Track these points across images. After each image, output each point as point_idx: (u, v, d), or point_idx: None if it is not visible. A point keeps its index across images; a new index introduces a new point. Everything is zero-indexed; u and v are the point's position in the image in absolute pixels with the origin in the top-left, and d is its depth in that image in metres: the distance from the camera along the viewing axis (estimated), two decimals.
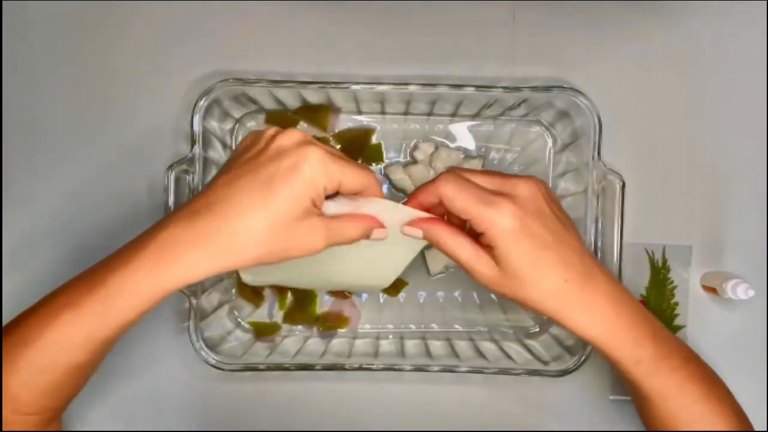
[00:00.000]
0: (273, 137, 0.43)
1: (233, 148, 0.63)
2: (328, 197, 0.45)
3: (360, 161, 0.63)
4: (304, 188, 0.40)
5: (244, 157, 0.43)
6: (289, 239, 0.41)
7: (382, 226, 0.47)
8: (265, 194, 0.40)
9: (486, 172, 0.47)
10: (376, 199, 0.46)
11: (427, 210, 0.47)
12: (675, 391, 0.47)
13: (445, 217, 0.49)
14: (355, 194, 0.46)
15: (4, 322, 0.45)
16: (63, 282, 0.60)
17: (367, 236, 0.46)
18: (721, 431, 0.47)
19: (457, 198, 0.44)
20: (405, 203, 0.48)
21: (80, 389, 0.46)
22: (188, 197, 0.56)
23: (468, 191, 0.44)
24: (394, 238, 0.48)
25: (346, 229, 0.44)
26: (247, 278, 0.54)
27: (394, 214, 0.47)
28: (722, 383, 0.50)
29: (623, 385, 0.50)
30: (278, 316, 0.63)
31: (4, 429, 0.42)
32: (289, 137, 0.42)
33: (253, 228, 0.40)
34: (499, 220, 0.43)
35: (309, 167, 0.40)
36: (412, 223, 0.47)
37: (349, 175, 0.42)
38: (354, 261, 0.52)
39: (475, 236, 0.46)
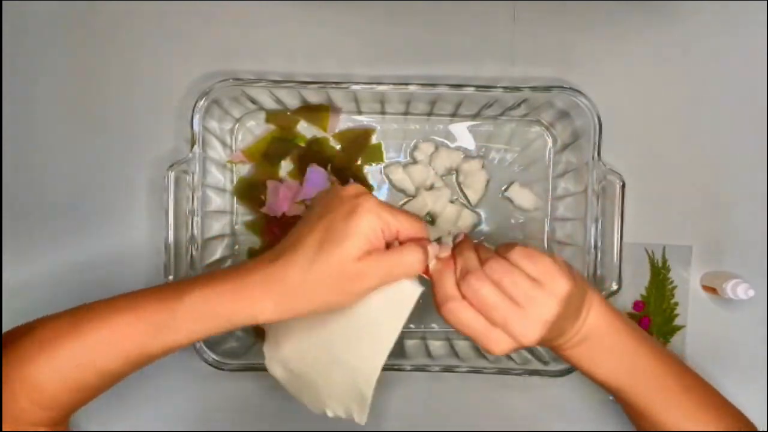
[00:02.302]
0: (335, 190, 0.45)
1: (233, 148, 0.63)
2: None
3: (360, 161, 0.63)
4: (358, 232, 0.42)
5: (314, 210, 0.45)
6: (346, 282, 0.42)
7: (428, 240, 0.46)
8: (322, 239, 0.42)
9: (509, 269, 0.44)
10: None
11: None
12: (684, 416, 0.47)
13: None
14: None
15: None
16: (63, 279, 0.60)
17: (425, 260, 0.45)
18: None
19: (461, 326, 0.43)
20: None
21: (96, 396, 0.45)
22: (188, 197, 0.56)
23: (470, 325, 0.43)
24: (379, 311, 0.45)
25: (402, 256, 0.43)
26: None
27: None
28: (729, 406, 0.50)
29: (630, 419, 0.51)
30: None
31: (19, 418, 0.41)
32: (351, 188, 0.44)
33: (313, 272, 0.41)
34: (492, 348, 0.43)
35: (364, 211, 0.42)
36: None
37: (404, 223, 0.43)
38: (340, 338, 0.47)
39: None
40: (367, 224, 0.42)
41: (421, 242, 0.44)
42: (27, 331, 0.43)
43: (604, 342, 0.47)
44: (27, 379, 0.41)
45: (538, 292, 0.42)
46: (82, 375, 0.42)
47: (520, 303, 0.42)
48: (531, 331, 0.42)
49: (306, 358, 0.48)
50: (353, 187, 0.44)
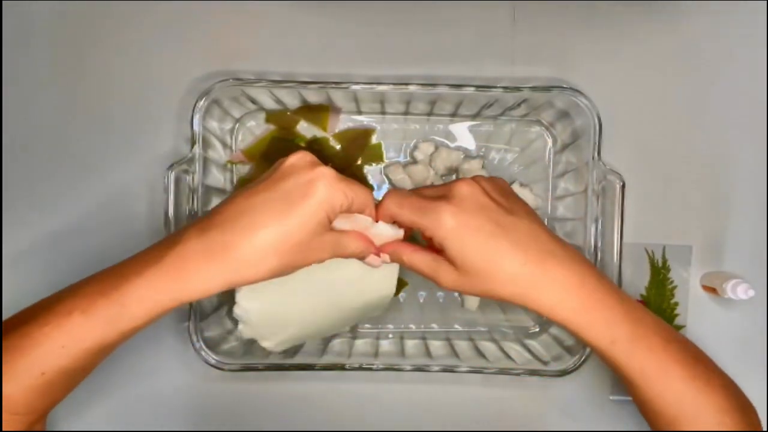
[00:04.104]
0: (284, 159, 0.45)
1: (233, 148, 0.63)
2: None
3: (360, 161, 0.63)
4: (320, 203, 0.42)
5: (258, 179, 0.45)
6: (302, 252, 0.43)
7: (377, 254, 0.49)
8: (282, 209, 0.42)
9: (429, 186, 0.51)
10: (363, 216, 0.48)
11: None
12: (656, 372, 0.46)
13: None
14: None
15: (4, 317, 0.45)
16: (62, 283, 0.60)
17: (363, 257, 0.48)
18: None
19: (399, 212, 0.47)
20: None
21: (71, 390, 0.45)
22: (188, 197, 0.56)
23: (407, 203, 0.46)
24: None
25: (349, 242, 0.46)
26: (269, 345, 0.56)
27: (380, 231, 0.49)
28: (710, 362, 0.49)
29: (609, 370, 0.49)
30: None
31: None
32: (300, 157, 0.44)
33: (270, 242, 0.41)
34: (438, 222, 0.45)
35: (324, 184, 0.42)
36: (379, 249, 0.49)
37: (358, 194, 0.45)
38: (348, 279, 0.54)
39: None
40: (329, 200, 0.42)
41: (367, 240, 0.47)
42: None
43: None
44: None
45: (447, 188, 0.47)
46: (48, 378, 0.41)
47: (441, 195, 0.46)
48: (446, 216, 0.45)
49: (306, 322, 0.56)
50: (305, 155, 0.45)
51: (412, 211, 0.46)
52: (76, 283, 0.44)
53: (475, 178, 0.47)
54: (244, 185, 0.48)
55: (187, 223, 0.52)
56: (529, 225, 0.47)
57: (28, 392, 0.41)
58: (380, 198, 0.49)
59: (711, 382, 0.47)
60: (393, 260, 0.49)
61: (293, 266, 0.43)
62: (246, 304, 0.52)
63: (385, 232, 0.49)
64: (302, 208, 0.42)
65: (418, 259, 0.48)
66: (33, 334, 0.41)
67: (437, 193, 0.48)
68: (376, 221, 0.48)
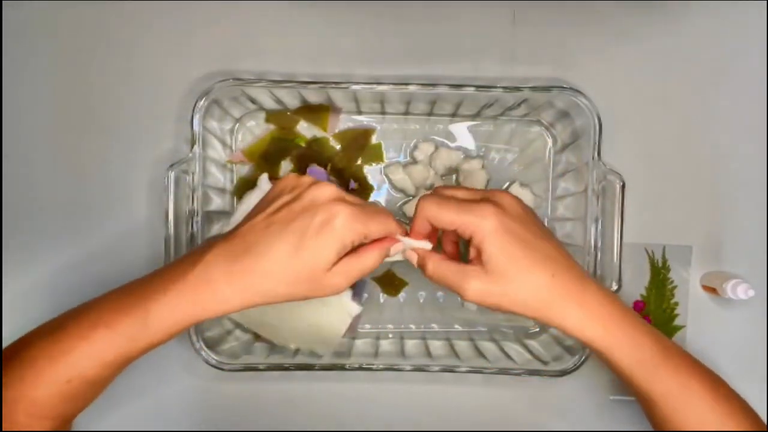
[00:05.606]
0: (309, 186, 0.46)
1: (233, 148, 0.63)
2: None
3: (360, 161, 0.63)
4: (332, 244, 0.44)
5: (280, 200, 0.46)
6: (314, 285, 0.45)
7: (395, 240, 0.48)
8: (296, 245, 0.43)
9: (466, 187, 0.50)
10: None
11: (428, 236, 0.49)
12: (678, 391, 0.47)
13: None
14: None
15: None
16: (61, 275, 0.60)
17: (386, 256, 0.48)
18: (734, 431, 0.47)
19: (440, 213, 0.46)
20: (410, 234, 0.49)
21: (93, 400, 0.47)
22: (188, 197, 0.56)
23: (448, 204, 0.46)
24: (332, 301, 0.55)
25: (364, 261, 0.46)
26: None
27: (408, 244, 0.49)
28: (726, 383, 0.50)
29: (624, 386, 0.50)
30: None
31: (18, 430, 0.43)
32: (324, 192, 0.45)
33: (283, 273, 0.43)
34: (481, 221, 0.45)
35: (339, 225, 0.44)
36: (411, 253, 0.49)
37: (374, 228, 0.45)
38: (298, 323, 0.57)
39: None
40: (342, 239, 0.44)
41: (383, 242, 0.47)
42: (15, 351, 0.45)
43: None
44: (22, 398, 0.43)
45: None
46: (73, 386, 0.44)
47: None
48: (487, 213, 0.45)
49: (269, 312, 0.55)
50: (328, 190, 0.45)
51: (455, 210, 0.46)
52: (102, 296, 0.46)
53: (512, 194, 0.48)
54: (265, 199, 0.48)
55: (208, 239, 0.52)
56: (558, 244, 0.48)
57: (55, 398, 0.44)
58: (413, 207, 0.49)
59: (731, 402, 0.48)
60: (418, 266, 0.49)
61: (306, 295, 0.45)
62: None
63: (414, 245, 0.49)
64: (313, 247, 0.43)
65: (444, 267, 0.47)
66: (61, 343, 0.44)
67: (474, 196, 0.48)
68: (412, 227, 0.48)
